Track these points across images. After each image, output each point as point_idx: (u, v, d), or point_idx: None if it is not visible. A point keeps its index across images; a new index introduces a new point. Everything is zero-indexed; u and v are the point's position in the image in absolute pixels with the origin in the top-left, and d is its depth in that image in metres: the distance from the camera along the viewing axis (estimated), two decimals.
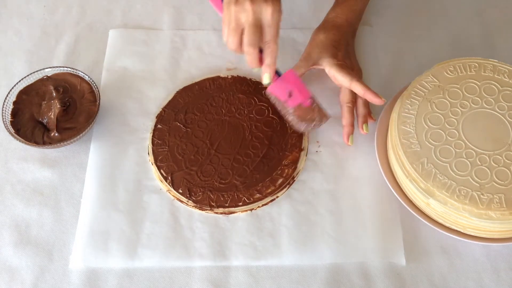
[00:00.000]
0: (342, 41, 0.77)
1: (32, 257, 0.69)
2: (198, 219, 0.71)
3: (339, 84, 0.75)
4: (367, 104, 0.76)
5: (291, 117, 0.73)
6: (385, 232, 0.70)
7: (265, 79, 0.69)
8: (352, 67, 0.77)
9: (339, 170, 0.75)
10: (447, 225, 0.68)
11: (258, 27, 0.66)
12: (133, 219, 0.71)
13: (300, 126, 0.74)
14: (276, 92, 0.72)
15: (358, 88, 0.73)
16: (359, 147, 0.76)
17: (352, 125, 0.75)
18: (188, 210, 0.72)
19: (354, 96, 0.75)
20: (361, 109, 0.76)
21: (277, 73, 0.71)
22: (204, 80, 0.82)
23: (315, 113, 0.73)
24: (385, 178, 0.72)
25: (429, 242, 0.70)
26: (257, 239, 0.70)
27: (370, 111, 0.76)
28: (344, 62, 0.75)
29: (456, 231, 0.68)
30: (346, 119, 0.75)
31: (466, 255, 0.69)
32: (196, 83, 0.82)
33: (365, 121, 0.75)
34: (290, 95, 0.71)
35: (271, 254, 0.69)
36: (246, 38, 0.67)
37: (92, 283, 0.67)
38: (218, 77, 0.83)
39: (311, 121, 0.73)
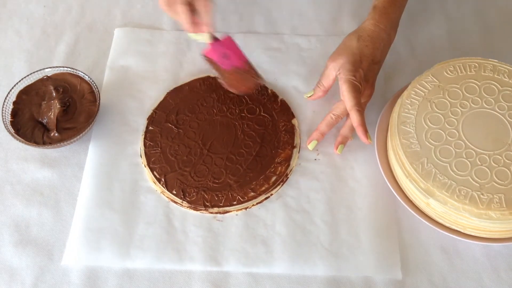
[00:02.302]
0: (369, 57, 0.74)
1: (32, 257, 0.69)
2: (192, 223, 0.71)
3: (341, 97, 0.73)
4: (353, 129, 0.74)
5: (226, 80, 0.77)
6: (381, 246, 0.69)
7: (206, 38, 0.73)
8: (364, 89, 0.74)
9: (337, 179, 0.74)
10: (447, 225, 0.68)
11: None
12: (127, 219, 0.71)
13: (235, 88, 0.78)
14: (212, 55, 0.76)
15: (354, 118, 0.71)
16: (359, 155, 0.76)
17: (323, 135, 0.75)
18: (182, 213, 0.72)
19: (343, 114, 0.74)
20: (346, 130, 0.75)
21: (216, 38, 0.76)
22: (194, 80, 0.82)
23: (250, 76, 0.76)
24: (385, 178, 0.72)
25: (429, 242, 0.70)
26: (250, 246, 0.69)
27: (351, 138, 0.75)
28: (359, 83, 0.72)
29: (456, 231, 0.68)
30: (320, 127, 0.75)
31: (466, 255, 0.69)
32: (186, 84, 0.82)
33: (343, 142, 0.75)
34: (226, 57, 0.74)
35: (263, 261, 0.68)
36: None
37: (92, 283, 0.67)
38: (208, 77, 0.82)
39: (247, 83, 0.77)
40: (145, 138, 0.77)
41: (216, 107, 0.79)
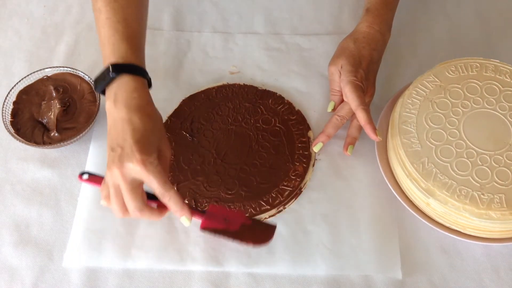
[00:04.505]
0: (368, 57, 0.75)
1: (32, 257, 0.69)
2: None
3: (345, 99, 0.74)
4: (360, 129, 0.74)
5: (243, 239, 0.66)
6: (382, 246, 0.69)
7: (185, 223, 0.64)
8: (367, 88, 0.74)
9: (338, 178, 0.74)
10: (447, 225, 0.68)
11: (136, 188, 0.60)
12: (129, 220, 0.71)
13: (258, 242, 0.66)
14: (212, 225, 0.66)
15: (361, 116, 0.71)
16: (359, 155, 0.75)
17: (329, 137, 0.74)
18: None
19: (348, 115, 0.74)
20: (353, 131, 0.75)
21: (200, 211, 0.67)
22: (210, 88, 0.81)
23: (263, 225, 0.67)
24: (385, 178, 0.71)
25: (429, 242, 0.70)
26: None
27: (358, 138, 0.75)
28: (361, 83, 0.72)
29: (456, 231, 0.68)
30: (326, 129, 0.74)
31: (466, 255, 0.69)
32: (202, 92, 0.81)
33: (352, 143, 0.74)
34: (227, 221, 0.67)
35: (265, 261, 0.68)
36: (128, 207, 0.61)
37: (92, 283, 0.67)
38: (224, 85, 0.82)
39: (264, 231, 0.67)
40: None
41: (231, 116, 0.78)
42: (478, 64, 0.74)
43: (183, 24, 0.90)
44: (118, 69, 0.64)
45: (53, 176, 0.75)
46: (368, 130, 0.71)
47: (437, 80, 0.73)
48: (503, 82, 0.73)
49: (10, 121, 0.77)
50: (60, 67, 0.81)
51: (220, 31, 0.89)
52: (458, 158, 0.67)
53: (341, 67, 0.74)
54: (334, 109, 0.76)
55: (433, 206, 0.67)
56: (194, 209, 0.66)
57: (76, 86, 0.79)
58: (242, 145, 0.76)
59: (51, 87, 0.78)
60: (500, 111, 0.71)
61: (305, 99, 0.81)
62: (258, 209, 0.71)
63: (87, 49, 0.87)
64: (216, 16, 0.91)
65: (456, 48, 0.87)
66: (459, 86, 0.73)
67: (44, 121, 0.77)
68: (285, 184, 0.73)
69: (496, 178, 0.66)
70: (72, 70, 0.80)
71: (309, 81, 0.83)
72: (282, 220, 0.71)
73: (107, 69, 0.64)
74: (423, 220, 0.68)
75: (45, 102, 0.78)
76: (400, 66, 0.84)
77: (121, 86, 0.63)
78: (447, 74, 0.74)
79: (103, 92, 0.65)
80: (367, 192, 0.73)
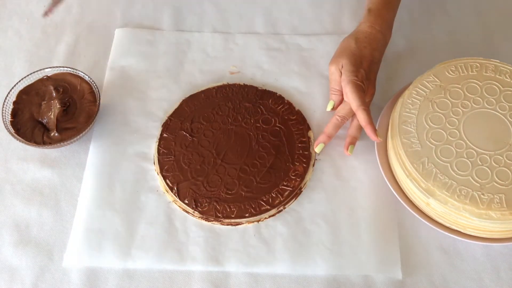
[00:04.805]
0: (369, 57, 0.75)
1: (32, 257, 0.69)
2: (193, 223, 0.71)
3: (346, 98, 0.74)
4: (361, 129, 0.74)
5: None
6: (382, 246, 0.69)
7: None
8: (367, 88, 0.74)
9: (338, 178, 0.74)
10: (447, 225, 0.68)
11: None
12: (129, 220, 0.71)
13: None
14: None
15: (362, 117, 0.71)
16: (359, 155, 0.75)
17: (330, 137, 0.74)
18: (183, 213, 0.72)
19: (349, 115, 0.74)
20: (354, 131, 0.75)
21: None
22: (210, 88, 0.81)
23: None
24: (385, 178, 0.71)
25: (429, 242, 0.70)
26: (251, 246, 0.69)
27: (358, 138, 0.75)
28: (362, 83, 0.72)
29: (456, 231, 0.68)
30: (327, 129, 0.74)
31: (466, 255, 0.69)
32: (202, 91, 0.81)
33: (353, 143, 0.74)
34: None
35: (265, 261, 0.68)
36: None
37: (92, 283, 0.67)
38: (224, 85, 0.82)
39: None
40: (159, 145, 0.76)
41: (231, 116, 0.78)
42: (478, 64, 0.74)
43: (183, 24, 0.90)
44: None
45: (53, 176, 0.75)
46: (368, 131, 0.71)
47: (437, 80, 0.73)
48: (503, 82, 0.73)
49: (10, 121, 0.77)
50: (60, 67, 0.81)
51: (220, 31, 0.89)
52: (458, 158, 0.67)
53: (342, 67, 0.74)
54: (333, 108, 0.76)
55: (433, 206, 0.67)
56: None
57: (76, 86, 0.79)
58: (242, 145, 0.76)
59: (51, 87, 0.78)
60: (500, 111, 0.71)
61: (305, 99, 0.81)
62: (258, 209, 0.71)
63: (87, 49, 0.87)
64: (216, 16, 0.91)
65: (456, 48, 0.87)
66: (459, 86, 0.73)
67: (44, 121, 0.77)
68: (285, 184, 0.73)
69: (496, 178, 0.66)
70: (72, 70, 0.80)
71: (309, 81, 0.83)
72: (282, 220, 0.71)
73: None
74: (423, 220, 0.68)
75: (45, 102, 0.78)
76: (400, 66, 0.84)
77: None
78: (447, 74, 0.74)
79: None
80: (367, 192, 0.73)
